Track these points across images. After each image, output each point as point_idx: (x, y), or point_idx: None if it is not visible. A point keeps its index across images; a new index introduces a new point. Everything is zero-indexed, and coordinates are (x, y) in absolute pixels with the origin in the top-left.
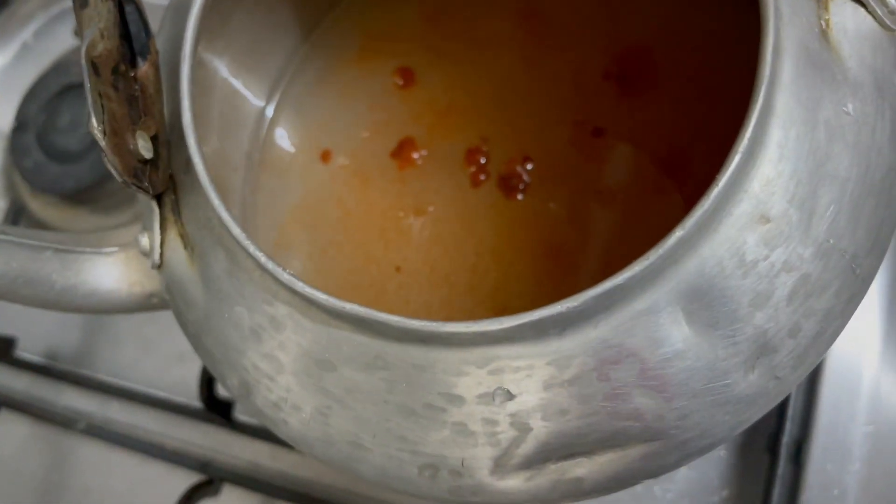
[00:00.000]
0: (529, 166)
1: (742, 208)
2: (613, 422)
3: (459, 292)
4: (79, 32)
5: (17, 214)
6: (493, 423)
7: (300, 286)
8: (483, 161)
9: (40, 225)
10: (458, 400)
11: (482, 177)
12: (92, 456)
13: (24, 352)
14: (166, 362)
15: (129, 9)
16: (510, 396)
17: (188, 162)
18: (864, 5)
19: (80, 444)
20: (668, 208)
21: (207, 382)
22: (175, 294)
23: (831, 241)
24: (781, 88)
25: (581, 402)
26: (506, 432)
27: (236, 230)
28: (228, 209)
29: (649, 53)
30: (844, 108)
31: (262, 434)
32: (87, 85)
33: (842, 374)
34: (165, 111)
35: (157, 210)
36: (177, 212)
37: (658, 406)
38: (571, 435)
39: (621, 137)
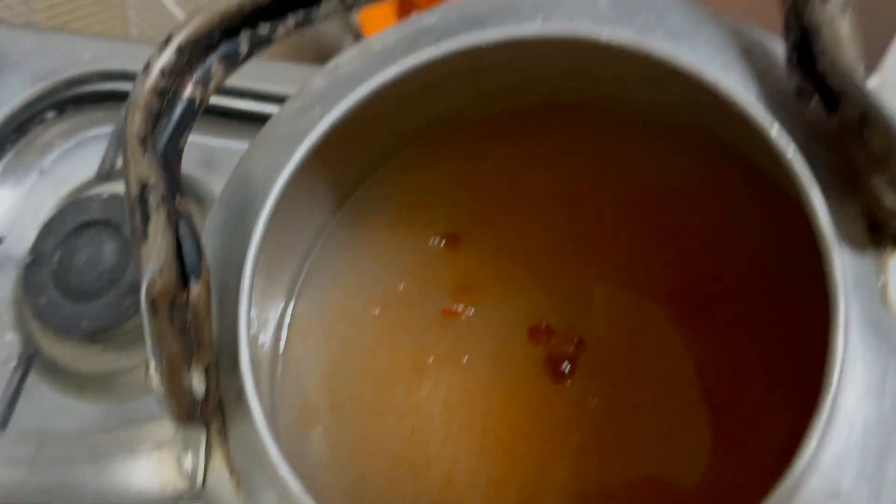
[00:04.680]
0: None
1: (814, 484)
2: None
3: (470, 447)
4: (137, 267)
5: (31, 357)
6: None
7: None
8: (542, 335)
9: (51, 362)
10: None
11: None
12: None
13: None
14: None
15: (182, 225)
16: None
17: (240, 392)
18: None
19: None
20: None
21: None
22: None
23: None
24: (849, 363)
25: None
26: None
27: (296, 488)
28: (279, 447)
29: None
30: None
31: None
32: (147, 328)
33: None
34: (214, 328)
35: (204, 436)
36: (223, 436)
37: None
38: None
39: (673, 361)
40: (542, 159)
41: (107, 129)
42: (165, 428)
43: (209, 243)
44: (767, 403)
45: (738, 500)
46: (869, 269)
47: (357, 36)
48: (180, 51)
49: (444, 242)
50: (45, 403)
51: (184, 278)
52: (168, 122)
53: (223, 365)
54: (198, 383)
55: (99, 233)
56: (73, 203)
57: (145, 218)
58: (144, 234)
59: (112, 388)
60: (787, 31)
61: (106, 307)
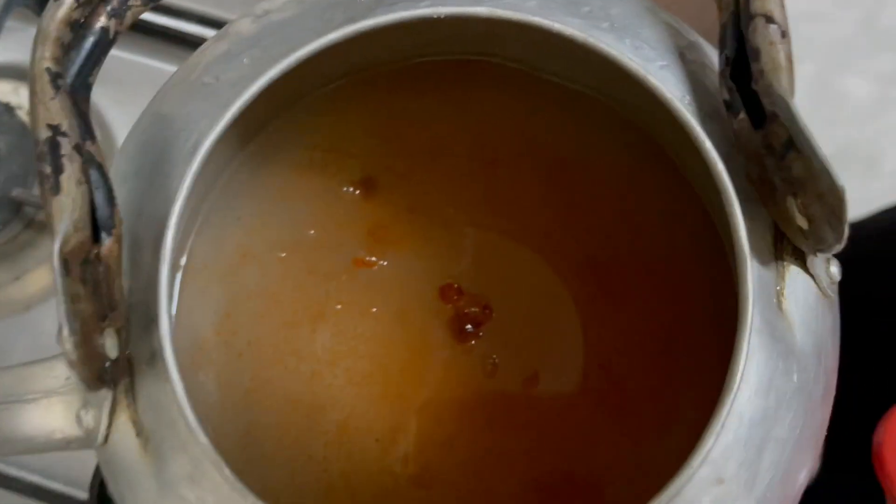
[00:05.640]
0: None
1: (703, 472)
2: None
3: (369, 395)
4: (48, 225)
5: None
6: None
7: None
8: (453, 294)
9: None
10: None
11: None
12: None
13: None
14: None
15: (93, 173)
16: None
17: (154, 356)
18: (813, 277)
19: None
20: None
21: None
22: (118, 477)
23: (768, 496)
24: (747, 364)
25: None
26: None
27: (215, 458)
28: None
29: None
30: (792, 378)
31: None
32: (59, 289)
33: None
34: (125, 284)
35: (110, 395)
36: (130, 396)
37: None
38: None
39: (569, 334)
40: (462, 117)
41: None
42: (55, 372)
43: (119, 191)
44: (651, 380)
45: (623, 459)
46: (770, 276)
47: None
48: None
49: (358, 191)
50: None
51: (94, 232)
52: (78, 54)
53: (135, 323)
54: (111, 346)
55: None
56: None
57: (57, 168)
58: (57, 187)
59: None
60: (723, 43)
61: None
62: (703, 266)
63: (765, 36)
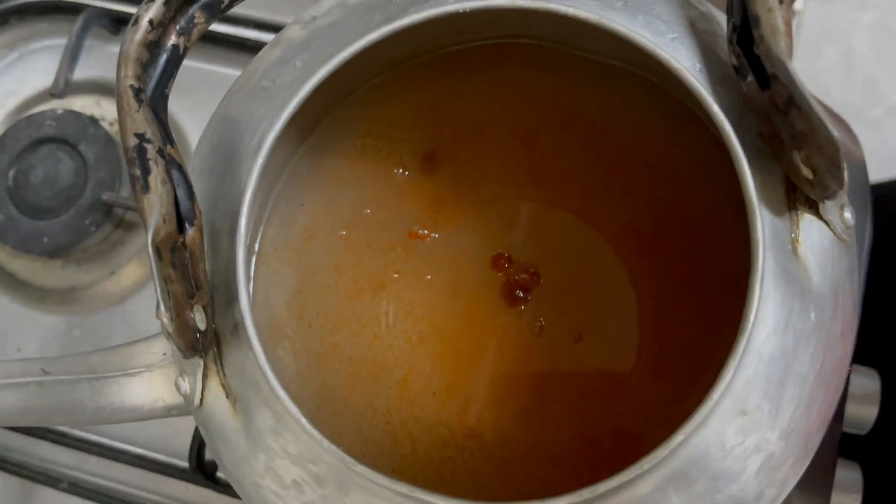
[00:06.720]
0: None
1: (726, 405)
2: None
3: (427, 355)
4: (141, 219)
5: None
6: None
7: (350, 463)
8: (503, 262)
9: (9, 276)
10: None
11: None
12: None
13: None
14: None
15: (174, 173)
16: None
17: (237, 327)
18: (826, 223)
19: (55, 499)
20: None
21: (199, 446)
22: (214, 435)
23: (792, 426)
24: (763, 305)
25: None
26: None
27: (294, 410)
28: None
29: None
30: (809, 317)
31: None
32: (155, 272)
33: None
34: (207, 267)
35: (201, 364)
36: (219, 363)
37: None
38: None
39: (617, 294)
40: (501, 96)
41: (52, 42)
42: (154, 349)
43: (196, 187)
44: (693, 334)
45: (664, 412)
46: (784, 224)
47: None
48: (167, 2)
49: (408, 172)
50: (7, 316)
51: (179, 223)
52: (154, 70)
53: (218, 301)
54: (200, 320)
55: (54, 150)
56: (26, 118)
57: (146, 171)
58: (146, 186)
59: (73, 302)
60: (730, 11)
61: (66, 225)
62: (740, 222)
63: (763, 3)
